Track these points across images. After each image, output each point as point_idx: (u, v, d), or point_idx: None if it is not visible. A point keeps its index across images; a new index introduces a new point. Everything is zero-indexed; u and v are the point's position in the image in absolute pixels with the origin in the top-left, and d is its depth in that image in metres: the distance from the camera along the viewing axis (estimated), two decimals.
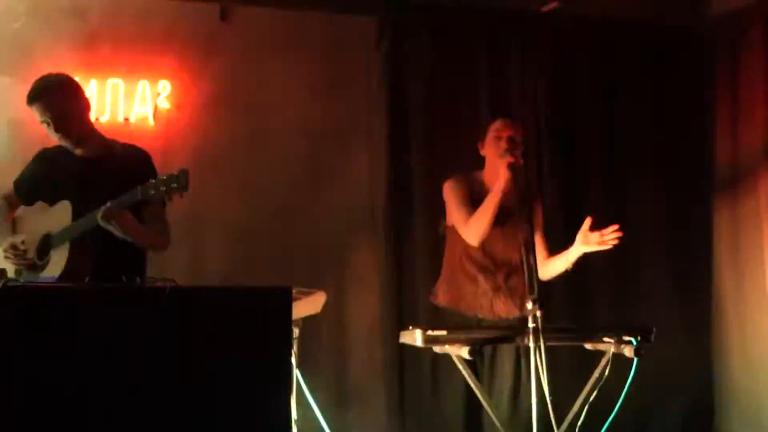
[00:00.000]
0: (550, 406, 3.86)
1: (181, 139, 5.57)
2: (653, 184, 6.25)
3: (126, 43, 5.51)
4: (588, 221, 4.32)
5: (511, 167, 4.32)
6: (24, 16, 5.38)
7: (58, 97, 4.05)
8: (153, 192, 3.55)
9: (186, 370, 2.98)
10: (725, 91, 6.20)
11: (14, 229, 4.18)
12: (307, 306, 4.43)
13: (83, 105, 4.15)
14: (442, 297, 4.67)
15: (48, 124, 4.03)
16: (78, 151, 4.13)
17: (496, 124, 4.59)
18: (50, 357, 2.87)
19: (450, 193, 4.62)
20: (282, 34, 5.78)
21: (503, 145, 4.47)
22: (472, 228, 4.45)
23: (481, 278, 4.54)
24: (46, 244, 3.97)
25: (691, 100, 6.39)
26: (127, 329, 2.96)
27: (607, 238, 4.27)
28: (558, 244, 4.65)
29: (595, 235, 4.29)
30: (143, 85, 5.51)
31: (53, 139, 4.12)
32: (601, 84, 6.24)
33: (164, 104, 5.56)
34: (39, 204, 4.20)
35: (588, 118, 6.19)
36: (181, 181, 3.48)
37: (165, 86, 5.56)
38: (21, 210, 4.26)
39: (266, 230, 5.58)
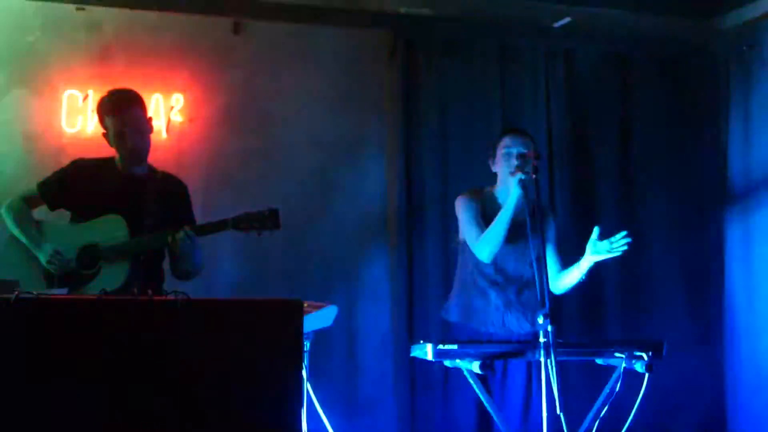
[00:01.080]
0: (563, 420, 3.85)
1: (194, 151, 5.60)
2: (666, 196, 6.24)
3: (140, 56, 5.54)
4: (596, 231, 4.32)
5: (522, 184, 4.32)
6: (39, 29, 5.41)
7: (141, 111, 4.22)
8: (244, 226, 3.92)
9: (197, 383, 2.99)
10: (739, 102, 6.19)
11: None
12: (318, 319, 4.43)
13: (151, 123, 4.30)
14: (453, 313, 4.66)
15: (123, 136, 4.13)
16: (125, 169, 4.22)
17: (505, 141, 4.59)
18: (63, 368, 2.88)
19: (461, 209, 4.62)
20: (295, 47, 5.81)
21: (514, 161, 4.47)
22: (484, 245, 4.45)
23: (492, 293, 4.54)
24: (92, 255, 4.03)
25: (705, 112, 6.38)
26: (138, 341, 2.96)
27: (617, 245, 4.27)
28: (571, 256, 4.65)
29: (605, 243, 4.29)
30: (157, 99, 5.54)
31: (120, 153, 4.20)
32: (613, 97, 6.24)
33: (177, 117, 5.59)
34: (60, 212, 4.29)
35: (601, 130, 6.19)
36: (275, 220, 3.95)
37: (178, 99, 5.59)
38: (41, 214, 4.30)
39: (278, 243, 5.52)
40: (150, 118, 4.30)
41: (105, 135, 4.24)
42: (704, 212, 6.31)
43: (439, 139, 5.88)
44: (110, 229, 4.04)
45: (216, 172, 5.55)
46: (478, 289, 4.57)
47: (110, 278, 3.95)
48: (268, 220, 3.93)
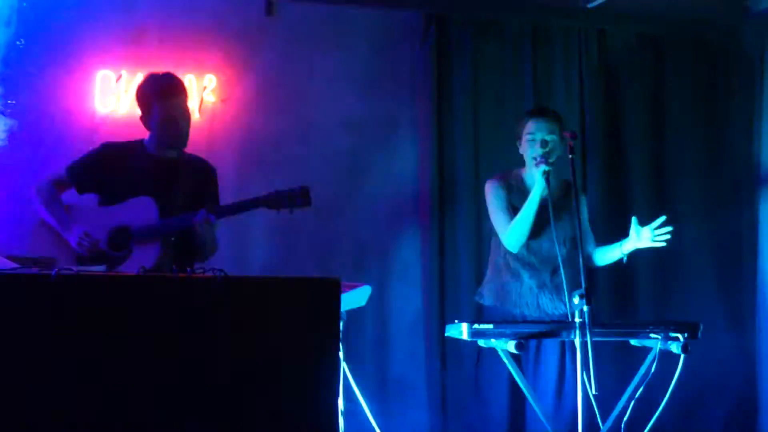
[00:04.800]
0: (594, 401, 3.85)
1: (226, 132, 5.61)
2: (699, 177, 6.20)
3: (173, 37, 5.55)
4: (634, 221, 4.36)
5: (546, 176, 4.32)
6: (72, 9, 5.42)
7: (184, 99, 4.24)
8: (275, 204, 3.91)
9: (236, 360, 3.00)
10: None
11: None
12: (352, 299, 4.44)
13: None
14: (487, 296, 4.66)
15: (173, 121, 4.15)
16: (156, 152, 4.24)
17: (529, 126, 4.56)
18: (103, 343, 2.90)
19: (490, 195, 4.64)
20: (327, 28, 5.80)
21: (538, 149, 4.47)
22: (510, 236, 4.47)
23: (525, 275, 4.54)
24: (123, 237, 4.04)
25: (738, 93, 6.33)
26: (177, 318, 2.98)
27: (659, 236, 4.28)
28: (603, 239, 4.66)
29: (647, 230, 4.30)
30: (189, 79, 5.51)
31: (159, 138, 4.21)
32: (647, 78, 6.20)
33: (210, 98, 5.59)
34: (86, 195, 4.29)
35: (634, 113, 6.15)
36: (305, 197, 3.90)
37: (211, 80, 5.59)
38: (66, 198, 4.31)
39: (310, 224, 5.58)
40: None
41: (143, 118, 4.23)
42: (738, 193, 6.26)
43: (471, 120, 5.86)
44: (141, 211, 4.04)
45: (248, 152, 5.56)
46: (512, 272, 4.57)
47: (142, 260, 3.90)
48: (298, 197, 3.91)
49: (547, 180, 4.34)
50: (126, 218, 4.05)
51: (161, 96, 4.14)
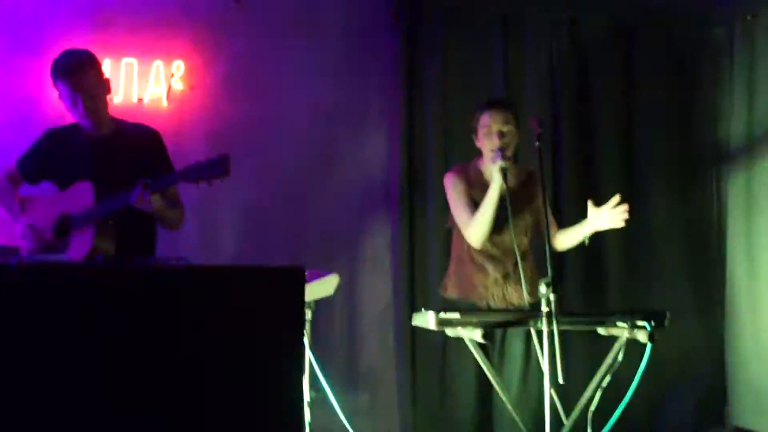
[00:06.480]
0: (555, 393, 3.85)
1: (195, 119, 5.57)
2: (668, 166, 6.20)
3: (140, 23, 5.50)
4: (590, 204, 4.33)
5: (503, 172, 4.31)
6: None
7: (91, 74, 4.08)
8: (193, 176, 3.58)
9: (198, 350, 2.98)
10: (742, 71, 6.14)
11: (21, 209, 4.19)
12: (319, 288, 4.43)
13: (108, 84, 4.19)
14: (451, 289, 4.65)
15: (76, 101, 4.04)
16: (91, 131, 4.14)
17: (484, 119, 4.54)
18: (64, 335, 2.87)
19: (450, 189, 4.62)
20: (296, 15, 5.75)
21: (495, 141, 4.46)
22: (472, 232, 4.46)
23: (490, 267, 4.53)
24: (64, 225, 3.97)
25: (708, 81, 6.34)
26: (139, 307, 2.95)
27: (617, 215, 4.28)
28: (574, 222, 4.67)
29: (604, 211, 4.29)
30: (157, 66, 5.50)
31: (74, 117, 4.15)
32: (617, 66, 6.19)
33: (178, 85, 5.54)
34: (43, 184, 4.23)
35: (605, 101, 6.13)
36: (223, 167, 3.53)
37: (179, 67, 5.54)
38: (24, 189, 4.27)
39: (279, 212, 5.57)
40: (107, 80, 4.18)
41: (60, 98, 4.15)
42: (706, 181, 6.29)
43: (441, 108, 5.82)
44: (80, 197, 3.95)
45: (217, 140, 5.48)
46: (476, 264, 4.56)
47: (78, 247, 3.87)
48: (216, 167, 3.54)
49: (505, 177, 4.31)
50: (68, 205, 3.98)
51: (61, 73, 4.04)
